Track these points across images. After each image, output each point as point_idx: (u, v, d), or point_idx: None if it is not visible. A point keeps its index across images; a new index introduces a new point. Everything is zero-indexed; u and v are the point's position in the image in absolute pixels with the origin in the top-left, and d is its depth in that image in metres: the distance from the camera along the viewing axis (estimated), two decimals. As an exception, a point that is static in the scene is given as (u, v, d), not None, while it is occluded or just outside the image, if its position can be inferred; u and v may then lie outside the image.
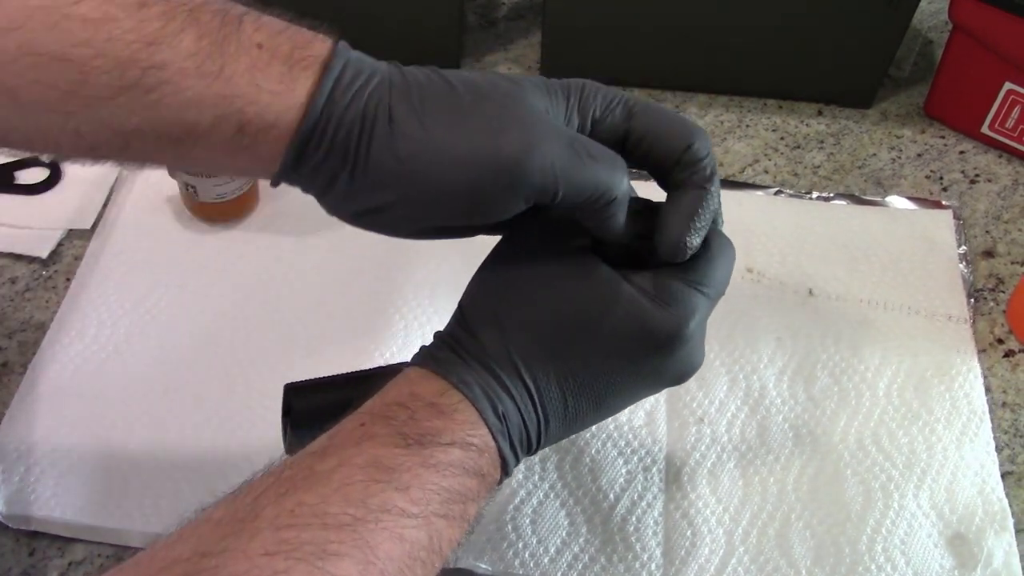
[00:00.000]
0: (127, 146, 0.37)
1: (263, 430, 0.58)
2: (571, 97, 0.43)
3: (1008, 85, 0.75)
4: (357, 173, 0.39)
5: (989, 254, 0.72)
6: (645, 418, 0.59)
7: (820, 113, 0.82)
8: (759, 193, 0.74)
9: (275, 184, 0.40)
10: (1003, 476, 0.58)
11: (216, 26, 0.36)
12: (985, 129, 0.79)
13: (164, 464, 0.56)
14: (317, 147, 0.38)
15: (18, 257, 0.68)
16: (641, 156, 0.44)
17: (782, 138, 0.80)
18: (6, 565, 0.53)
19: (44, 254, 0.67)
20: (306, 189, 0.41)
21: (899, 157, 0.79)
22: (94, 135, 0.37)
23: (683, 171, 0.43)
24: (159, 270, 0.66)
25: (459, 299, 0.44)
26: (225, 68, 0.36)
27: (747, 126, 0.81)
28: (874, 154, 0.79)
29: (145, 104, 0.36)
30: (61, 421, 0.58)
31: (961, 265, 0.69)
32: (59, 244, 0.68)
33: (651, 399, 0.60)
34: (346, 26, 0.79)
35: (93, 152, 0.38)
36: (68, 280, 0.66)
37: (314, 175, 0.39)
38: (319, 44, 0.39)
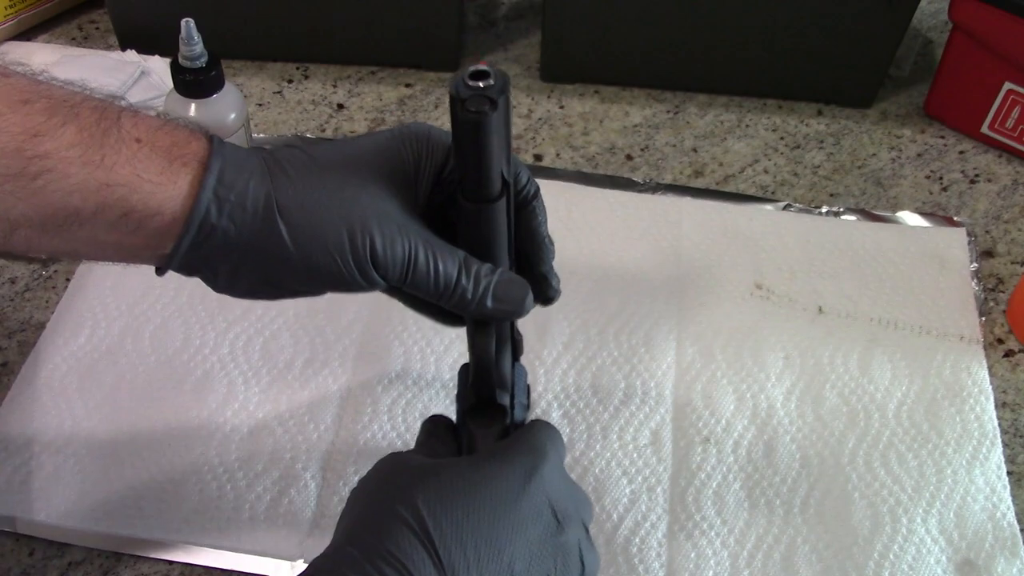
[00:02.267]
0: (12, 232, 0.39)
1: (258, 432, 0.57)
2: (418, 159, 0.45)
3: (1008, 85, 0.75)
4: (250, 263, 0.41)
5: (989, 254, 0.71)
6: (650, 437, 0.58)
7: (820, 113, 0.82)
8: (768, 208, 0.73)
9: (161, 273, 0.42)
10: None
11: (95, 120, 0.39)
12: (985, 129, 0.78)
13: (157, 466, 0.56)
14: (207, 241, 0.40)
15: (18, 257, 0.67)
16: None
17: (782, 138, 0.80)
18: (6, 565, 0.52)
19: (44, 254, 0.67)
20: (193, 275, 0.43)
21: (899, 157, 0.78)
22: None
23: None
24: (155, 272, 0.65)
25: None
26: (106, 158, 0.38)
27: (747, 126, 0.80)
28: (874, 154, 0.79)
29: (31, 191, 0.38)
30: (53, 421, 0.57)
31: (973, 283, 0.68)
32: (59, 245, 0.67)
33: (656, 417, 0.59)
34: (347, 26, 0.79)
35: None
36: (68, 280, 0.65)
37: (203, 266, 0.42)
38: (196, 143, 0.41)
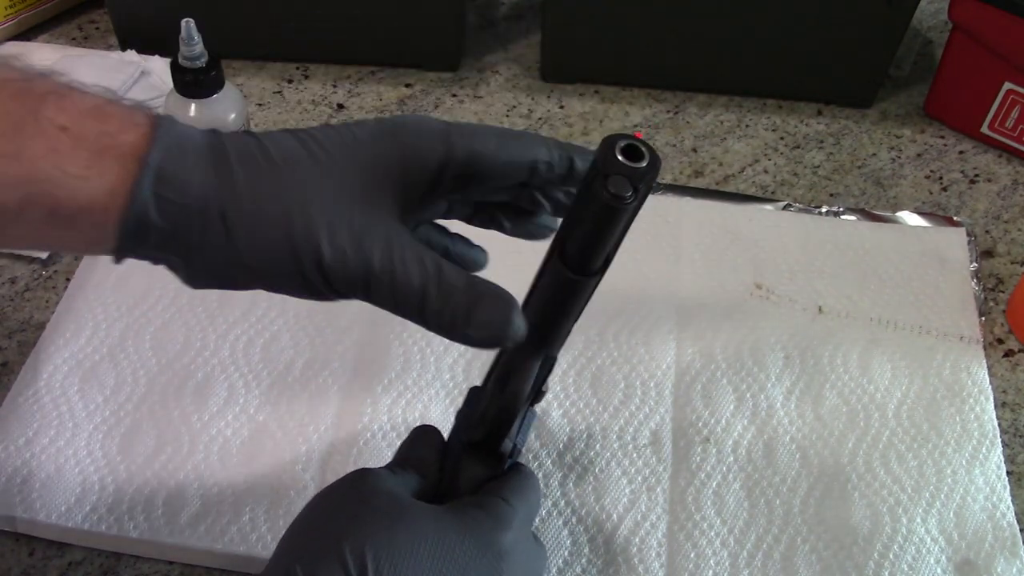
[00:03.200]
0: None
1: (258, 433, 0.57)
2: (406, 157, 0.40)
3: (1008, 85, 0.75)
4: (196, 262, 0.38)
5: (989, 254, 0.71)
6: (650, 437, 0.58)
7: (820, 113, 0.82)
8: (768, 208, 0.73)
9: (118, 261, 0.39)
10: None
11: (15, 106, 0.35)
12: (985, 129, 0.78)
13: (157, 467, 0.56)
14: (147, 240, 0.37)
15: (18, 257, 0.67)
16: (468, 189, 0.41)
17: (782, 138, 0.80)
18: (6, 565, 0.52)
19: (44, 254, 0.67)
20: (158, 264, 0.40)
21: (899, 157, 0.78)
22: None
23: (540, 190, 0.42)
24: (156, 273, 0.65)
25: None
26: (24, 150, 0.35)
27: (747, 126, 0.80)
28: (874, 154, 0.79)
29: None
30: (53, 421, 0.57)
31: (973, 283, 0.68)
32: (59, 245, 0.67)
33: (656, 417, 0.59)
34: (347, 26, 0.79)
35: None
36: (68, 280, 0.65)
37: (160, 260, 0.39)
38: (133, 130, 0.36)
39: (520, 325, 0.38)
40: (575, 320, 0.42)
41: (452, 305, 0.37)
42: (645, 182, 0.35)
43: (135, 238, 0.37)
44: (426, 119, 0.40)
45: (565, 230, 0.38)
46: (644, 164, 0.35)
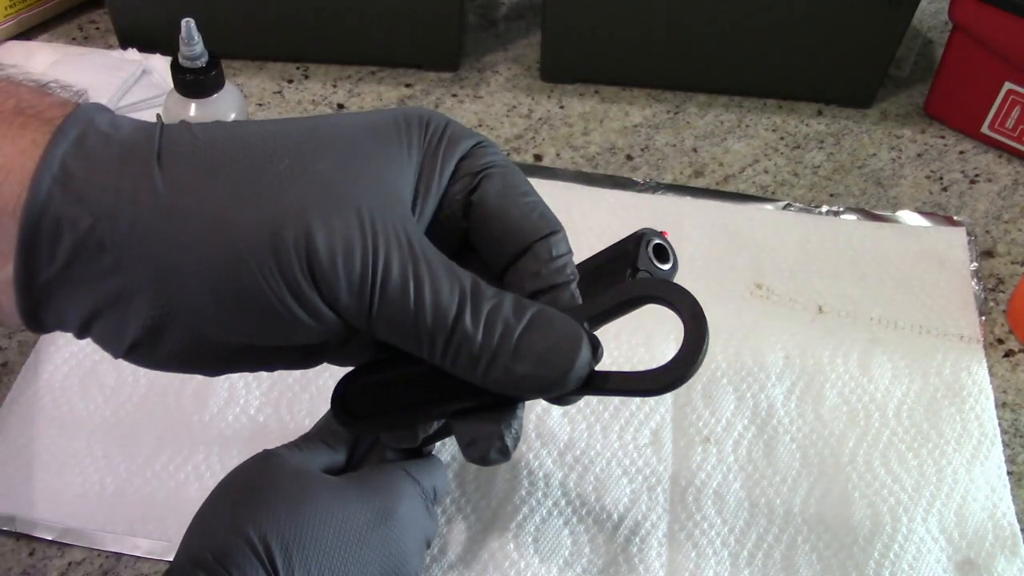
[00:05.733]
0: None
1: (258, 434, 0.57)
2: (424, 148, 0.32)
3: (1008, 85, 0.75)
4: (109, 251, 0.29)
5: (989, 254, 0.71)
6: (650, 436, 0.58)
7: (820, 113, 0.82)
8: (768, 207, 0.73)
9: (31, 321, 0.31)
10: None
11: None
12: (985, 129, 0.79)
13: (158, 468, 0.56)
14: (57, 233, 0.28)
15: None
16: (479, 233, 0.34)
17: (782, 138, 0.80)
18: (6, 565, 0.52)
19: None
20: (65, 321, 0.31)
21: (899, 157, 0.79)
22: None
23: (533, 266, 0.33)
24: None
25: None
26: None
27: (747, 126, 0.80)
28: (874, 154, 0.79)
29: None
30: (54, 421, 0.57)
31: (973, 283, 0.68)
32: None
33: (656, 417, 0.59)
34: (347, 26, 0.79)
35: None
36: (68, 282, 0.65)
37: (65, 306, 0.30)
38: (54, 108, 0.30)
39: (587, 359, 0.30)
40: None
41: (498, 332, 0.29)
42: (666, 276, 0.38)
43: (41, 226, 0.29)
44: (450, 119, 0.34)
45: (591, 284, 0.39)
46: (669, 266, 0.38)
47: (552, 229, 0.34)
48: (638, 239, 0.37)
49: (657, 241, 0.38)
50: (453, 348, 0.29)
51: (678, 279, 0.42)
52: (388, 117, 0.32)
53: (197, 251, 0.28)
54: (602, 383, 0.32)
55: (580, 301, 0.34)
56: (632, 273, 0.37)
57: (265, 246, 0.27)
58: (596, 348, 0.32)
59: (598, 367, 0.33)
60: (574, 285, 0.34)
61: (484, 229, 0.33)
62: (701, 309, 0.33)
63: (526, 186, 0.34)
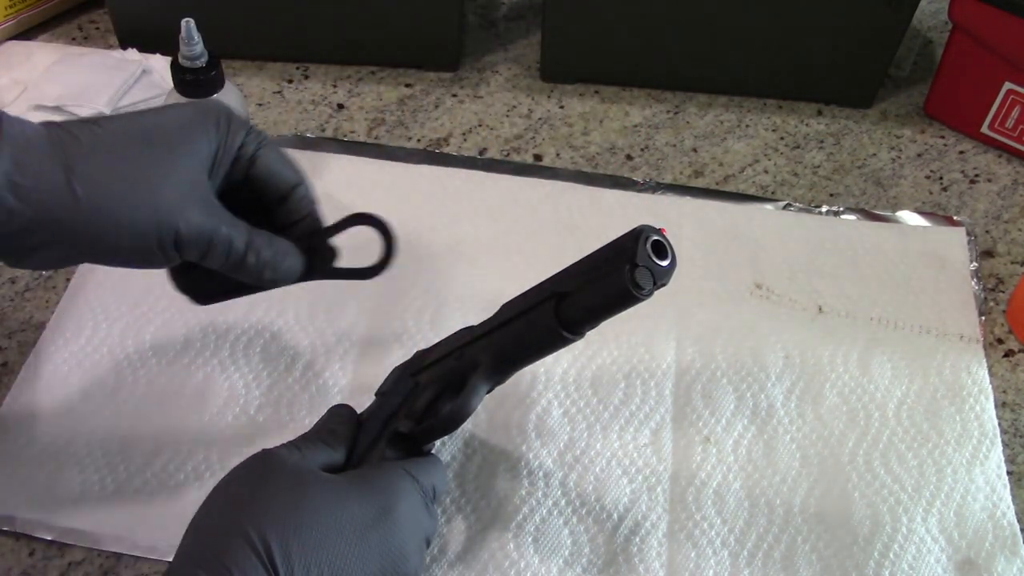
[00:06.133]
0: None
1: (258, 435, 0.57)
2: (220, 137, 0.47)
3: (1008, 85, 0.75)
4: (51, 244, 0.43)
5: (989, 254, 0.71)
6: (651, 436, 0.58)
7: (820, 113, 0.82)
8: (768, 207, 0.73)
9: None
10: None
11: None
12: (985, 129, 0.79)
13: (157, 468, 0.56)
14: (5, 225, 0.41)
15: None
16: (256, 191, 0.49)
17: (782, 138, 0.80)
18: (6, 565, 0.52)
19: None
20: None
21: (899, 157, 0.79)
22: None
23: (293, 204, 0.50)
24: (156, 273, 0.65)
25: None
26: None
27: (747, 126, 0.80)
28: (874, 154, 0.79)
29: None
30: (53, 421, 0.57)
31: (973, 283, 0.68)
32: (59, 245, 0.67)
33: (656, 417, 0.59)
34: (347, 26, 0.79)
35: None
36: (68, 281, 0.65)
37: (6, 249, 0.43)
38: None
39: (299, 264, 0.50)
40: (534, 362, 0.45)
41: (262, 259, 0.47)
42: (664, 280, 0.39)
43: None
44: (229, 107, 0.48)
45: (567, 288, 0.41)
46: (667, 263, 0.39)
47: (301, 181, 0.50)
48: (636, 235, 0.39)
49: (655, 238, 0.39)
50: (241, 271, 0.47)
51: (677, 278, 0.43)
52: (194, 115, 0.46)
53: (102, 229, 0.43)
54: (326, 273, 0.51)
55: (322, 225, 0.51)
56: (631, 268, 0.38)
57: (151, 231, 0.43)
58: (317, 251, 0.50)
59: (340, 265, 0.51)
60: (316, 212, 0.51)
61: (261, 182, 0.49)
62: (391, 227, 0.49)
63: (285, 155, 0.50)
